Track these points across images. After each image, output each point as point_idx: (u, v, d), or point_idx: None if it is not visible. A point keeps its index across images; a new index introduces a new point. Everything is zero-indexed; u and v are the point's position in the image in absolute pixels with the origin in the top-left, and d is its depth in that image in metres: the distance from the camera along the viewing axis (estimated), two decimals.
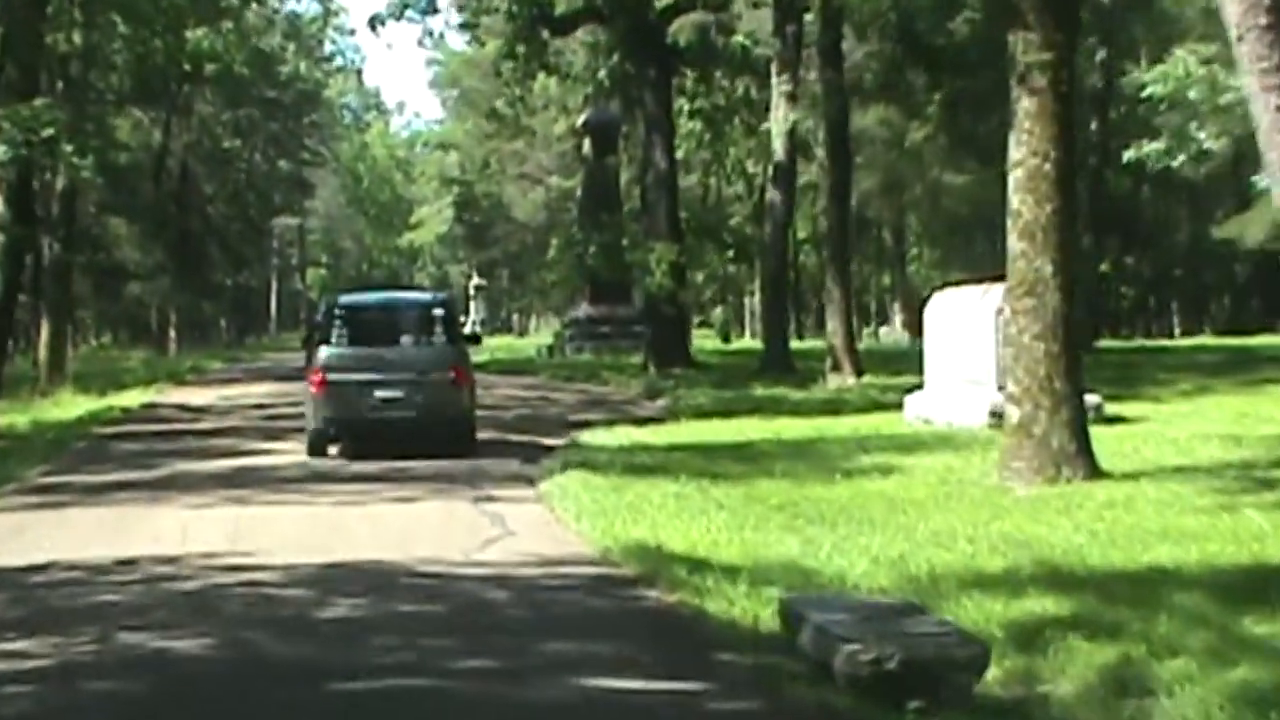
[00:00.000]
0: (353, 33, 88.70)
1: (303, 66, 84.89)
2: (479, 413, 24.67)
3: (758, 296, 74.13)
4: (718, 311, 67.93)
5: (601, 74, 42.74)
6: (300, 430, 25.14)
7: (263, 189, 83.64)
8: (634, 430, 24.99)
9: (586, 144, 49.89)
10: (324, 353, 23.24)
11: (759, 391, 32.79)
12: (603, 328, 48.57)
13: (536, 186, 77.82)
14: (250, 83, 77.06)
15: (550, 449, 23.44)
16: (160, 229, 75.19)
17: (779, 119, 36.72)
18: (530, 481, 19.84)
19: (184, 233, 76.39)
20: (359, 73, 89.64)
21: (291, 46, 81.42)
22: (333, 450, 23.12)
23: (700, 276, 56.17)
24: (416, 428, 22.97)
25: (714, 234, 40.98)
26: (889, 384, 33.23)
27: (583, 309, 49.38)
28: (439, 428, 23.02)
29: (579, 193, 51.41)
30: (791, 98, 36.45)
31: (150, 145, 76.93)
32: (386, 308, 25.50)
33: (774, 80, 37.28)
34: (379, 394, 22.75)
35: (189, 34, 42.98)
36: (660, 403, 33.17)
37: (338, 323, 23.43)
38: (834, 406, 28.62)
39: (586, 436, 24.26)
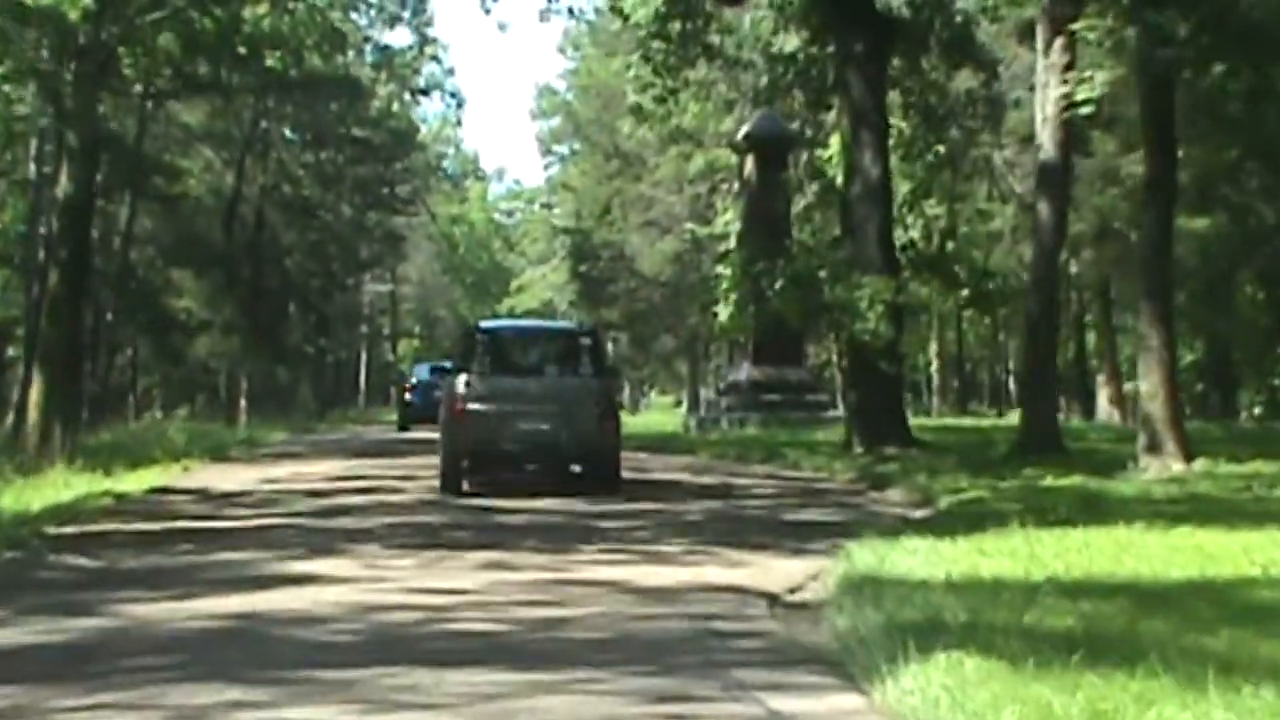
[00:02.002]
0: (451, 72, 78.31)
1: (395, 106, 75.04)
2: (646, 505, 20.05)
3: (934, 365, 64.11)
4: None
5: (792, 46, 32.11)
6: (369, 537, 16.48)
7: (348, 241, 73.75)
8: (942, 546, 14.28)
9: (749, 163, 39.44)
10: (464, 380, 22.05)
11: (1049, 481, 22.04)
12: (769, 394, 38.11)
13: (665, 236, 67.06)
14: (335, 119, 67.65)
15: (802, 577, 13.33)
16: (231, 283, 66.07)
17: (1049, 100, 26.24)
18: (830, 665, 9.45)
19: (257, 289, 67.11)
20: (459, 107, 79.15)
21: (382, 76, 71.48)
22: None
23: None
24: (561, 463, 22.48)
25: (940, 267, 30.16)
26: (1245, 473, 22.45)
27: (743, 371, 38.87)
28: (585, 464, 22.36)
29: (737, 224, 40.84)
30: (1067, 68, 25.91)
31: (221, 190, 67.88)
32: (531, 336, 24.92)
33: (1040, 49, 26.90)
34: (522, 426, 21.69)
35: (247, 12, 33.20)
36: (894, 494, 22.76)
37: (480, 349, 22.42)
38: (1222, 510, 17.80)
39: (865, 556, 13.67)
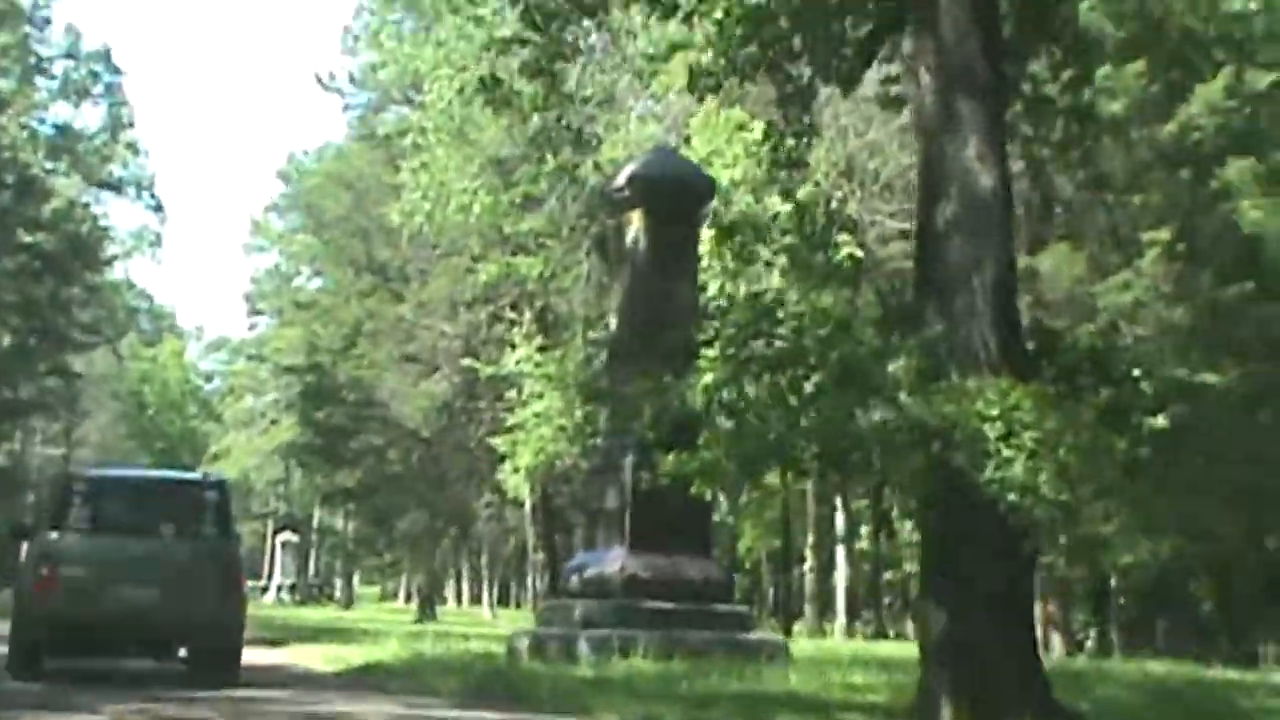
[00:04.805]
0: (151, 184, 62.80)
1: (77, 209, 58.98)
2: None
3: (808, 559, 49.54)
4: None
5: None
6: None
7: (4, 377, 57.13)
8: None
9: (634, 222, 24.63)
10: (53, 539, 18.77)
11: None
12: (657, 600, 23.18)
13: (432, 375, 51.45)
14: None
15: None
16: None
17: None
18: None
19: None
20: (158, 210, 63.68)
21: (62, 165, 55.57)
22: None
23: None
24: (169, 643, 19.63)
25: (1104, 366, 15.50)
26: None
27: (615, 561, 23.73)
28: (199, 644, 19.41)
29: (612, 322, 25.86)
30: None
31: None
32: (141, 487, 21.15)
33: None
34: (125, 596, 18.44)
35: None
36: None
37: (76, 501, 19.23)
38: None
39: None
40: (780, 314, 15.24)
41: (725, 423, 14.60)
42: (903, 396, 14.23)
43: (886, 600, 58.07)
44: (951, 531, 14.58)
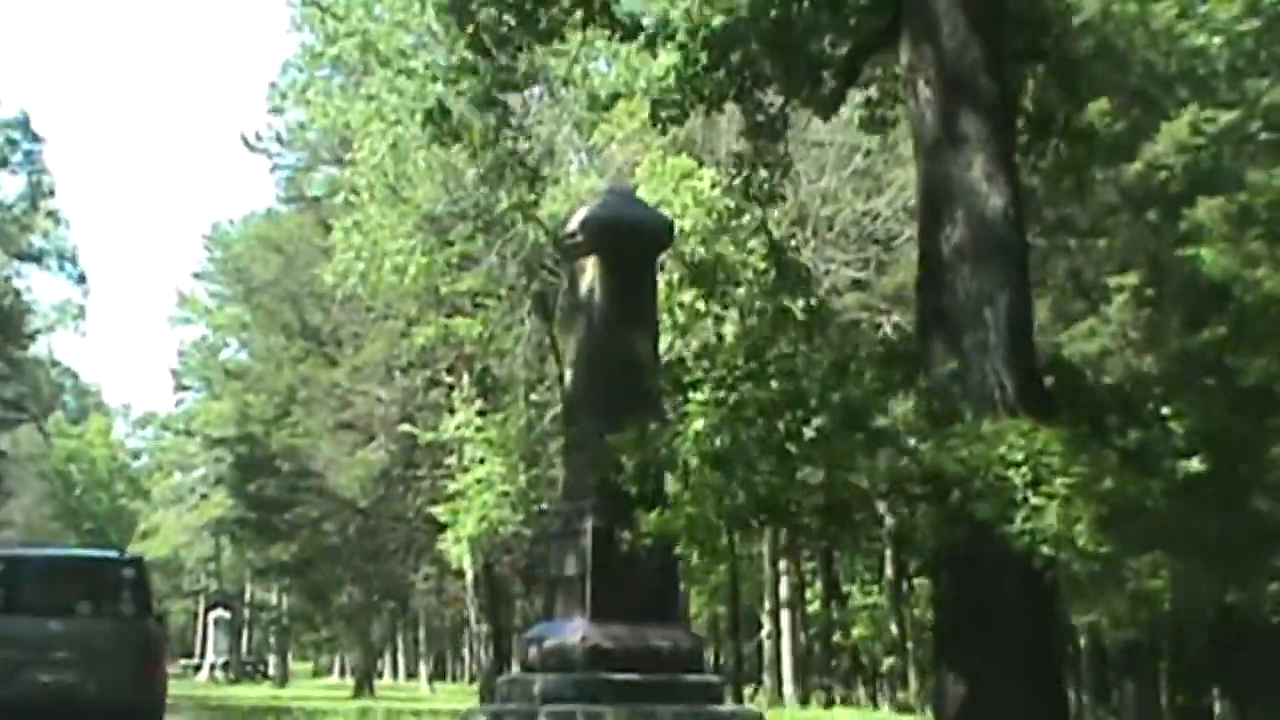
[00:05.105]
0: (75, 259, 60.87)
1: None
2: None
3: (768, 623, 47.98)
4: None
5: None
6: None
7: None
8: None
9: (589, 270, 23.11)
10: None
11: None
12: (623, 672, 21.62)
13: (369, 443, 49.74)
14: None
15: None
16: None
17: None
18: None
19: None
20: (81, 282, 61.60)
21: None
22: None
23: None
24: None
25: (1132, 406, 14.31)
26: None
27: (575, 630, 22.19)
28: None
29: (567, 375, 24.24)
30: None
31: None
32: (58, 567, 21.10)
33: None
34: (41, 678, 18.35)
35: None
36: None
37: None
38: None
39: None
40: (769, 355, 13.84)
41: (713, 474, 13.10)
42: (913, 441, 12.81)
43: (832, 663, 56.67)
44: (972, 590, 13.14)
